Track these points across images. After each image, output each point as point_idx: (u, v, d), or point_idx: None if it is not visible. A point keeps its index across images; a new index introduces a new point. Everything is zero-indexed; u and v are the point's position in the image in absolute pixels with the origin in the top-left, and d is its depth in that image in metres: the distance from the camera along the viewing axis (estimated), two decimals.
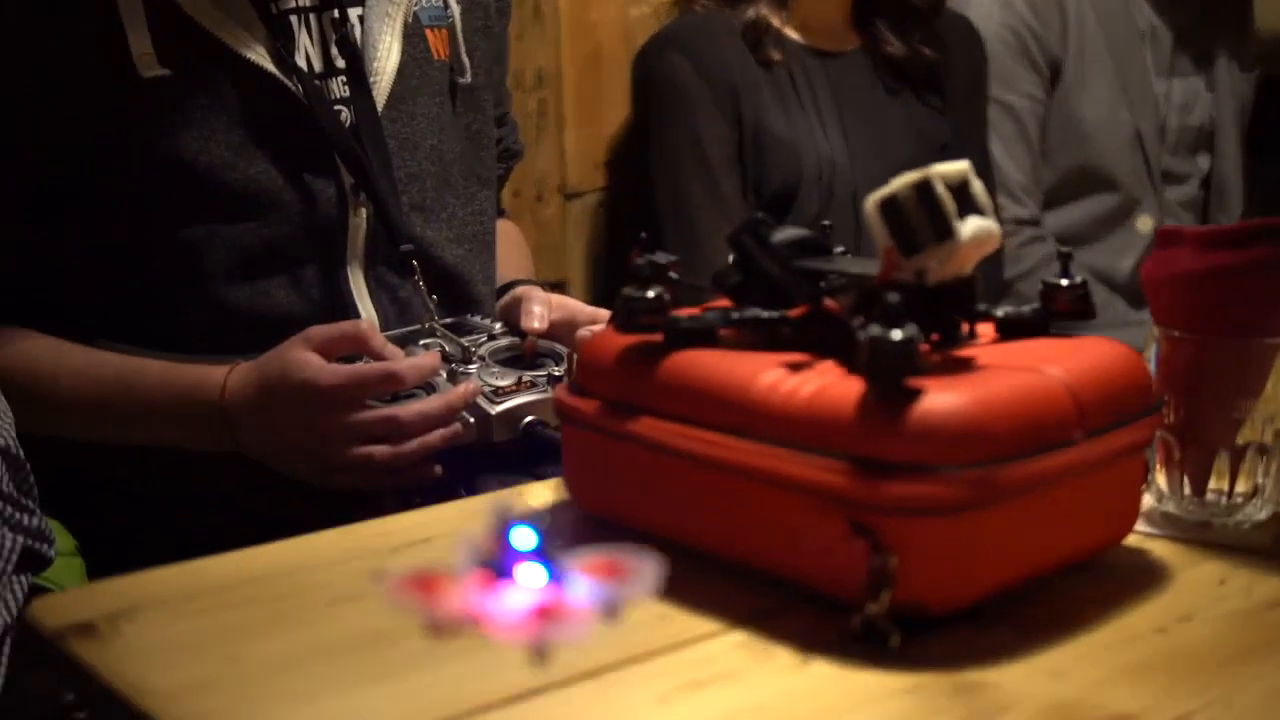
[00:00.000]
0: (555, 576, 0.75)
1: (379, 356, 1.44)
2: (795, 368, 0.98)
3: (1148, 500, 1.12)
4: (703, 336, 1.05)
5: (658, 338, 1.05)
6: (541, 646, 0.72)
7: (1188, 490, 1.12)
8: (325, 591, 1.02)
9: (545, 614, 0.72)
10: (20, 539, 1.05)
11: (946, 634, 0.94)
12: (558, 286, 1.68)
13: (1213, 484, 1.12)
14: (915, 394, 0.91)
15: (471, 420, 1.46)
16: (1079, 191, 2.59)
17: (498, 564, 0.74)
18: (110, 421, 1.48)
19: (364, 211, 1.57)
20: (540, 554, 0.75)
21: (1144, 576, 1.04)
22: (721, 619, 0.96)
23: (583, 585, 0.75)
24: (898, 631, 0.91)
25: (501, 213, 1.90)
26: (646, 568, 0.76)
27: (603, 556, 0.77)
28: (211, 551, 1.07)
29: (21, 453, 1.13)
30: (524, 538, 0.74)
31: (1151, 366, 1.11)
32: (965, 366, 0.99)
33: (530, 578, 0.74)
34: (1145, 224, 2.58)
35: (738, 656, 0.92)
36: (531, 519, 0.76)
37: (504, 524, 0.75)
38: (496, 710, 0.84)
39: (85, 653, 0.92)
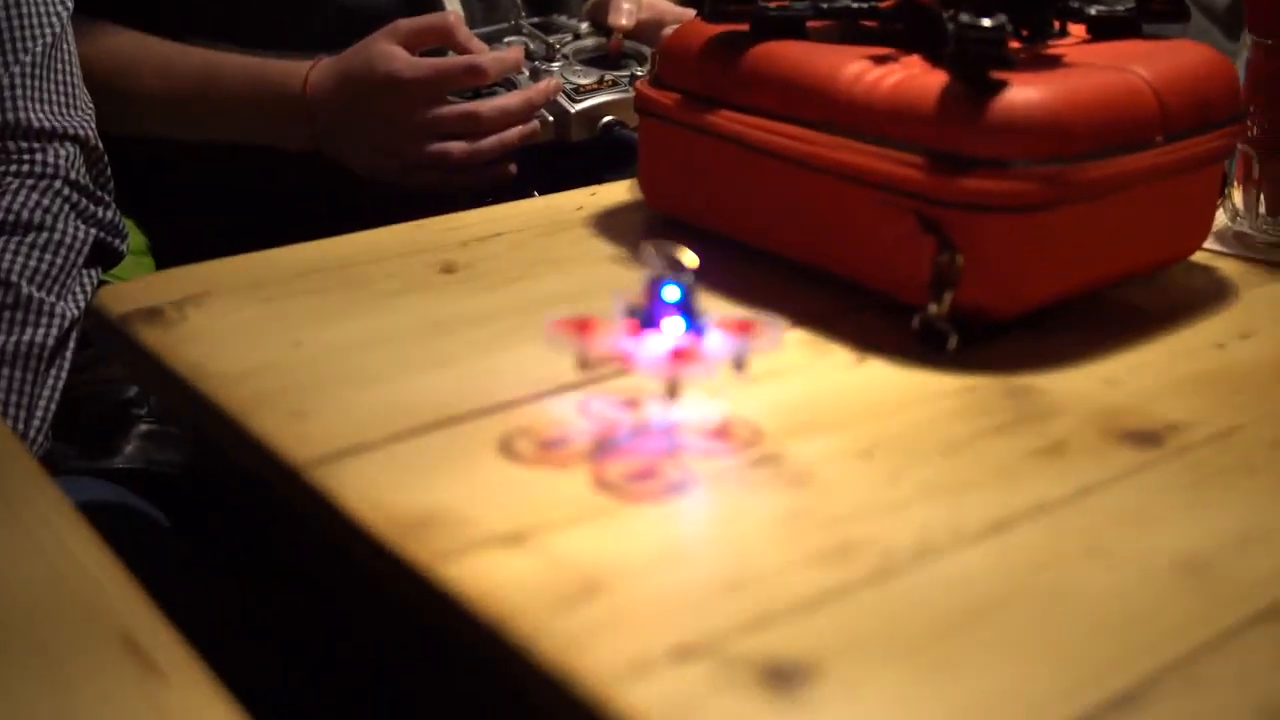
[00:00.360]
0: (695, 328, 0.82)
1: (464, 50, 1.43)
2: (880, 60, 0.97)
3: (1220, 219, 1.10)
4: (790, 27, 1.03)
5: (744, 28, 1.03)
6: (674, 383, 0.80)
7: (1263, 209, 1.10)
8: (392, 282, 1.03)
9: (681, 356, 0.79)
10: (93, 231, 1.06)
11: (1005, 340, 0.94)
12: None
13: None
14: (997, 86, 0.89)
15: (550, 118, 1.45)
16: None
17: (645, 314, 0.81)
18: (193, 115, 1.48)
19: None
20: (683, 307, 0.82)
21: (1209, 293, 1.03)
22: (783, 316, 0.96)
23: (717, 338, 0.82)
24: (956, 333, 0.91)
25: None
26: (774, 327, 0.83)
27: (738, 314, 0.87)
28: None
29: (100, 145, 1.13)
30: (671, 292, 0.81)
31: (1241, 77, 1.08)
32: (1052, 63, 0.97)
33: (673, 328, 0.81)
34: None
35: (794, 353, 0.92)
36: (679, 276, 0.81)
37: (654, 279, 0.81)
38: (552, 396, 0.85)
39: (149, 338, 0.94)
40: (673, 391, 0.81)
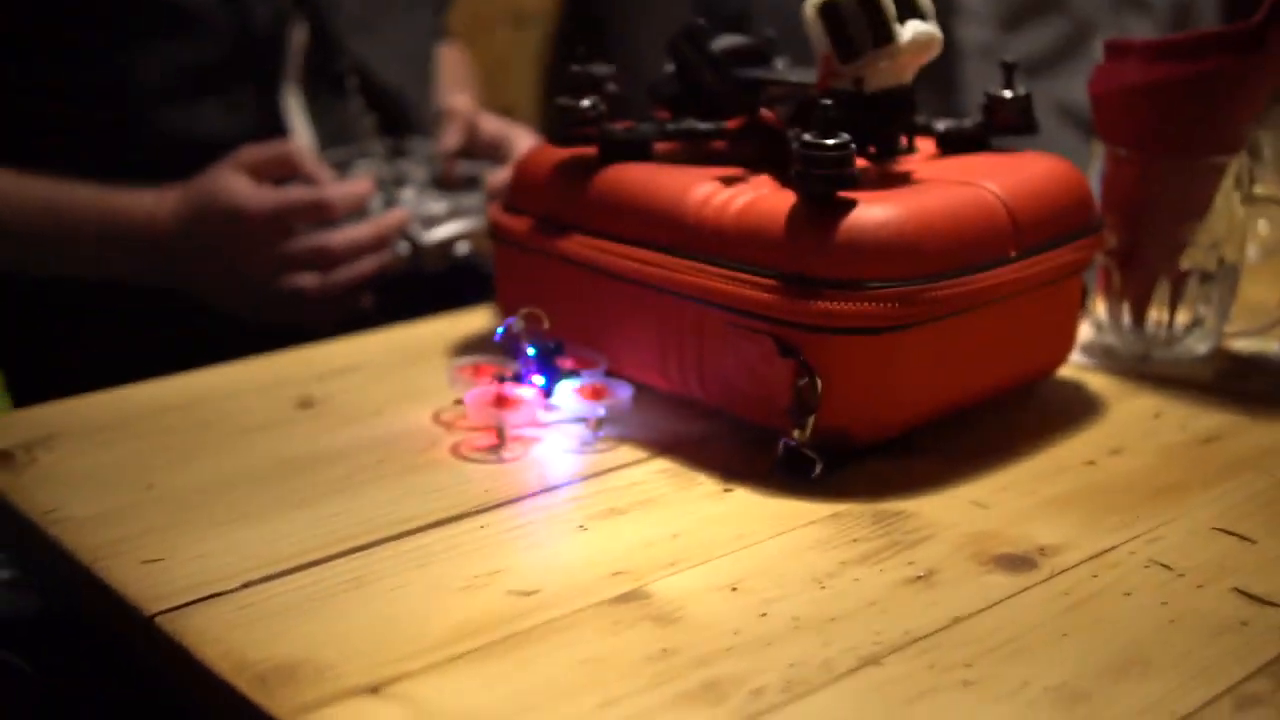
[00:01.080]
0: (548, 388, 0.97)
1: (311, 178, 1.41)
2: (728, 181, 0.96)
3: (1086, 331, 1.11)
4: (637, 149, 1.03)
5: (592, 151, 1.03)
6: (502, 429, 0.95)
7: (1127, 320, 1.11)
8: (246, 419, 1.00)
9: (504, 402, 0.95)
10: None
11: (871, 464, 0.93)
12: (505, 113, 1.63)
13: (1153, 315, 1.11)
14: (845, 205, 0.89)
15: (404, 248, 1.43)
16: (1037, 14, 2.46)
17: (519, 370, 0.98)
18: (37, 248, 1.45)
19: (301, 28, 1.51)
20: (541, 364, 0.98)
21: (1077, 408, 1.03)
22: (647, 447, 0.95)
23: (569, 398, 0.96)
24: (821, 460, 0.90)
25: (446, 35, 1.85)
26: (622, 393, 0.97)
27: (591, 381, 0.98)
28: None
29: None
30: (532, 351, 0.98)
31: (1095, 187, 1.09)
32: (900, 180, 0.97)
33: (531, 385, 0.97)
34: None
35: (660, 484, 0.91)
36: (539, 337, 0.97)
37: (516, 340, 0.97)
38: (413, 536, 0.83)
39: None
40: (500, 435, 0.94)
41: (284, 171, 1.40)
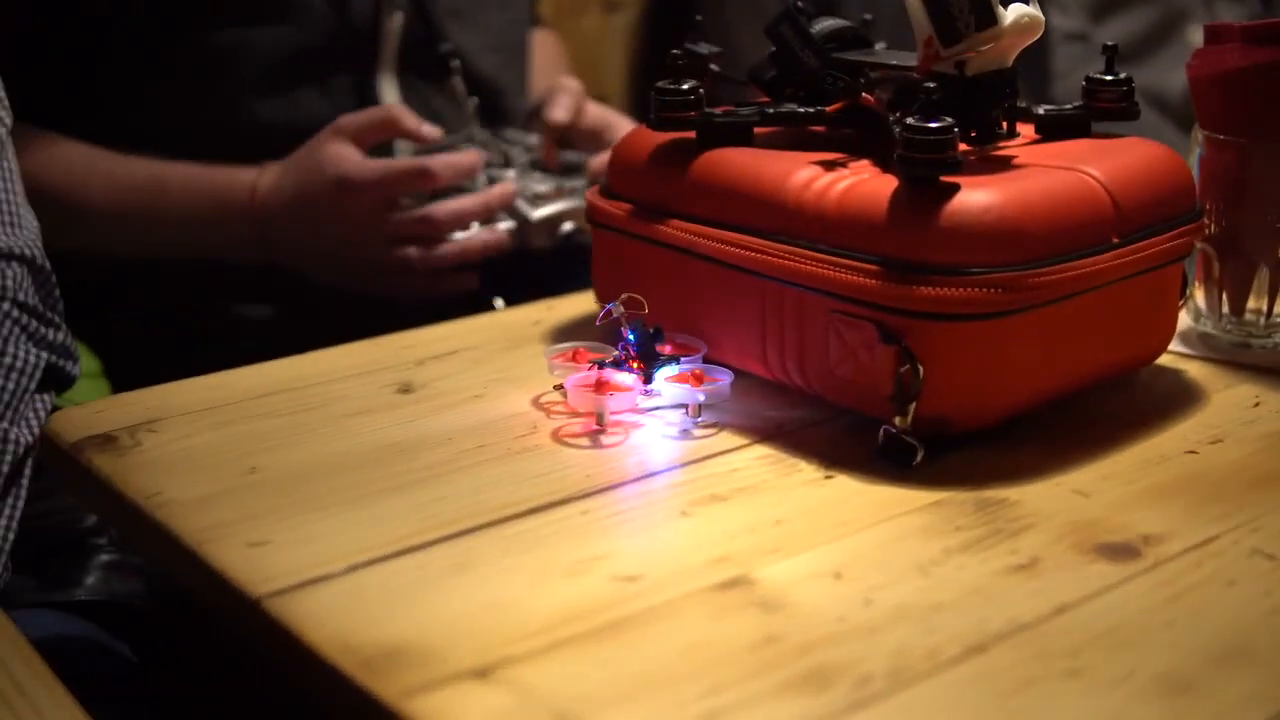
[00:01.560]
0: (648, 373, 0.98)
1: (416, 135, 1.41)
2: (830, 166, 0.96)
3: (1184, 320, 1.10)
4: (737, 134, 1.02)
5: (690, 135, 1.03)
6: (603, 415, 0.95)
7: (1225, 309, 1.10)
8: (347, 404, 1.01)
9: (607, 389, 0.96)
10: (44, 355, 1.03)
11: (971, 451, 0.92)
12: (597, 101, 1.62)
13: (1251, 303, 1.10)
14: (949, 190, 0.89)
15: (510, 226, 1.44)
16: (1124, 2, 2.42)
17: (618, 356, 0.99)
18: (142, 228, 1.46)
19: (399, 15, 1.52)
20: (640, 352, 0.98)
21: (1177, 397, 1.02)
22: (746, 434, 0.95)
23: (668, 384, 0.97)
24: (922, 447, 0.90)
25: (537, 21, 1.85)
26: (721, 379, 0.97)
27: (691, 367, 0.99)
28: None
29: (48, 264, 1.11)
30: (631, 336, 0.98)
31: (1195, 173, 1.08)
32: (1001, 165, 0.96)
33: (631, 370, 0.98)
34: (1197, 36, 2.46)
35: (760, 470, 0.91)
36: (631, 321, 0.97)
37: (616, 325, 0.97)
38: (516, 521, 0.84)
39: (103, 465, 0.92)
40: (600, 421, 0.95)
41: (386, 134, 1.41)
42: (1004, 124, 1.00)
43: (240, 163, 1.45)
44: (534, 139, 1.56)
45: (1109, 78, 1.04)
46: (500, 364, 1.08)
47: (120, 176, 1.45)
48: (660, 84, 1.03)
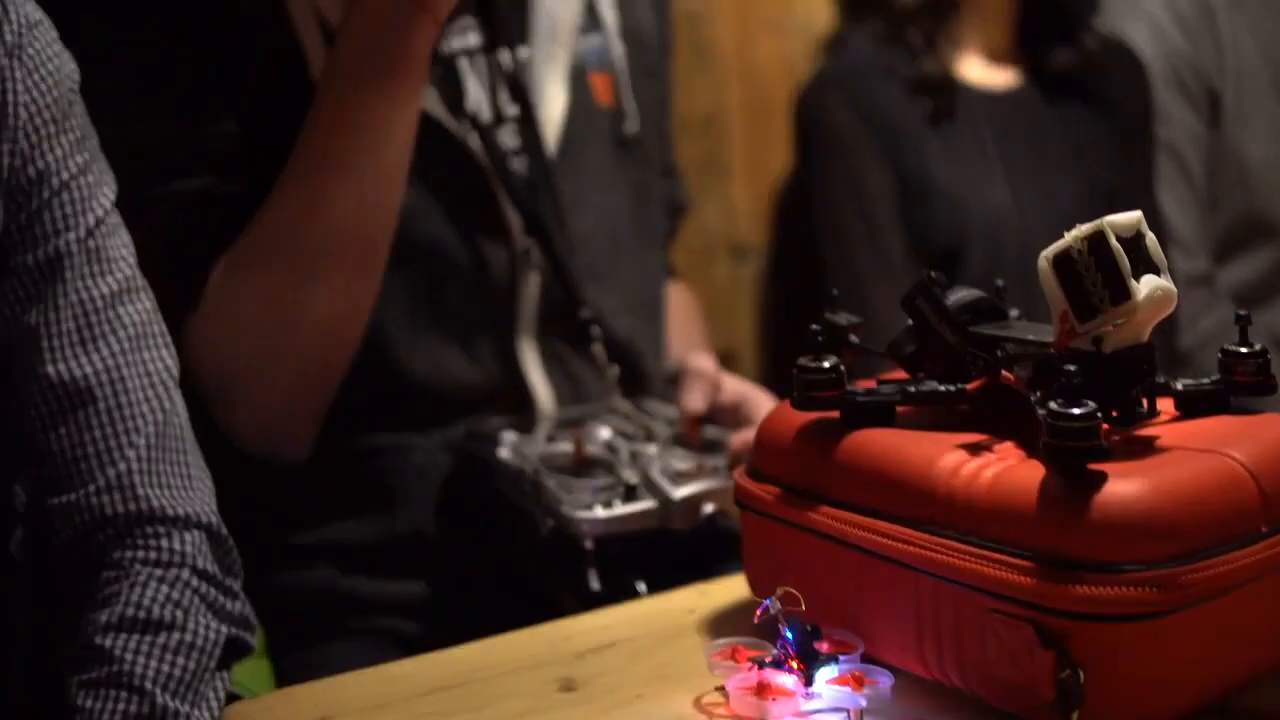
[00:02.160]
0: (808, 675, 0.96)
1: None
2: (974, 450, 0.96)
3: None
4: (881, 414, 1.02)
5: (834, 414, 1.03)
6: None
7: None
8: (512, 703, 1.02)
9: (769, 692, 0.96)
10: (225, 628, 1.02)
11: None
12: (725, 359, 1.59)
13: None
14: (1097, 480, 0.88)
15: (650, 506, 1.40)
16: (1247, 243, 2.34)
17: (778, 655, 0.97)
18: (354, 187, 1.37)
19: (534, 277, 1.51)
20: (799, 651, 0.97)
21: None
22: None
23: (829, 687, 0.96)
24: None
25: (671, 274, 1.81)
26: (883, 681, 0.97)
27: (850, 668, 0.98)
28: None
29: (225, 530, 1.09)
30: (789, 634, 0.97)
31: None
32: (1145, 448, 0.95)
33: (791, 671, 0.97)
34: None
35: None
36: (789, 618, 0.96)
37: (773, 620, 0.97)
38: None
39: None
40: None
41: None
42: (1144, 402, 0.99)
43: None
44: (674, 411, 1.53)
45: (1244, 350, 1.02)
46: (659, 659, 1.08)
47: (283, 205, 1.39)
48: (801, 361, 1.02)
